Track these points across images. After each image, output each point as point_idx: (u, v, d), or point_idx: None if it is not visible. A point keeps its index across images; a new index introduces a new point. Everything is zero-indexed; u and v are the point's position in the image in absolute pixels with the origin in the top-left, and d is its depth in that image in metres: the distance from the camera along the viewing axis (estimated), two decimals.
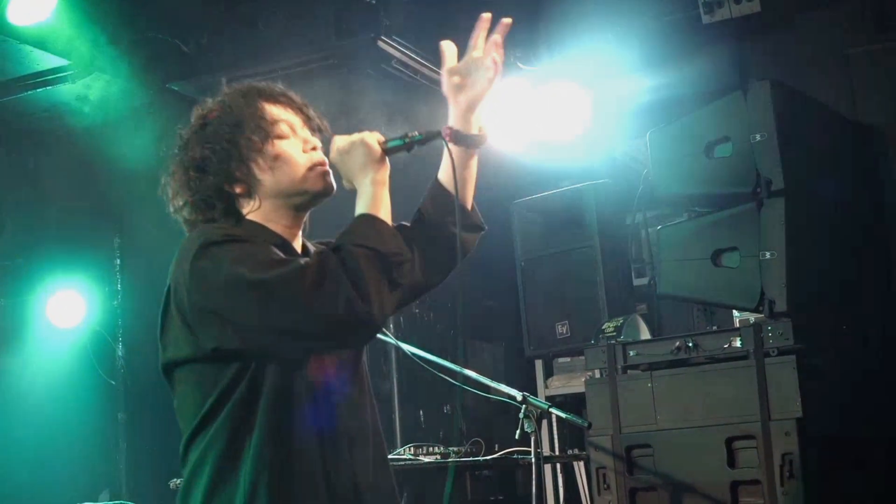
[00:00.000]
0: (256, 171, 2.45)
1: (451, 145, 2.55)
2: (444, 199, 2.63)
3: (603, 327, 5.13)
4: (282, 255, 2.34)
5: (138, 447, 7.19)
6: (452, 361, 4.48)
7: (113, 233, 7.44)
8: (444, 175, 2.65)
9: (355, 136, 2.45)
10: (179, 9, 5.74)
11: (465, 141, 2.56)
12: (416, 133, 2.49)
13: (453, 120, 2.58)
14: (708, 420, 4.61)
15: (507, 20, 2.59)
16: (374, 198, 2.37)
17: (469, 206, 2.67)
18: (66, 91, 6.15)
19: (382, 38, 5.72)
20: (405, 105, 5.84)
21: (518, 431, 4.01)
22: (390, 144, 2.46)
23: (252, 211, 2.47)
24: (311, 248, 2.58)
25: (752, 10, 5.96)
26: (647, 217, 5.89)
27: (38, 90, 6.11)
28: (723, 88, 5.75)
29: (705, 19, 6.05)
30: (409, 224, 2.63)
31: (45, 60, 5.87)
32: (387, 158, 2.45)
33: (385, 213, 2.37)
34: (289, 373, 2.33)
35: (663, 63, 6.27)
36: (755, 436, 4.46)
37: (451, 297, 5.74)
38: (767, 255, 4.60)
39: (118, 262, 7.42)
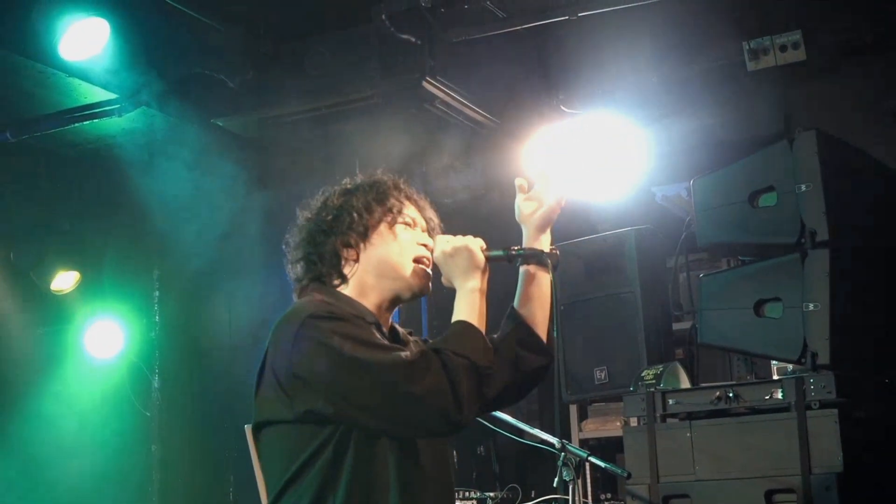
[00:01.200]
0: (374, 237, 2.63)
1: (524, 267, 2.76)
2: (512, 323, 2.77)
3: (642, 375, 5.08)
4: (383, 339, 2.48)
5: (171, 480, 7.19)
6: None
7: (152, 265, 7.49)
8: (516, 300, 2.79)
9: (460, 241, 2.61)
10: (226, 46, 5.81)
11: (537, 258, 2.74)
12: (520, 248, 2.71)
13: (526, 240, 2.77)
14: (747, 472, 4.54)
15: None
16: (473, 306, 2.54)
17: (540, 328, 2.79)
18: (112, 124, 6.24)
19: (427, 78, 5.76)
20: (456, 145, 5.87)
21: (557, 479, 3.99)
22: (492, 254, 2.63)
23: (353, 274, 2.63)
24: (401, 331, 2.73)
25: (798, 59, 5.95)
26: (688, 260, 5.85)
27: (85, 122, 6.20)
28: (766, 135, 5.72)
29: (750, 66, 6.05)
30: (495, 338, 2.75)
31: (93, 93, 5.97)
32: (488, 265, 2.60)
33: (481, 323, 2.54)
34: (374, 438, 2.45)
35: (707, 109, 6.25)
36: (795, 489, 4.39)
37: None
38: (811, 306, 4.54)
39: (157, 293, 7.47)
